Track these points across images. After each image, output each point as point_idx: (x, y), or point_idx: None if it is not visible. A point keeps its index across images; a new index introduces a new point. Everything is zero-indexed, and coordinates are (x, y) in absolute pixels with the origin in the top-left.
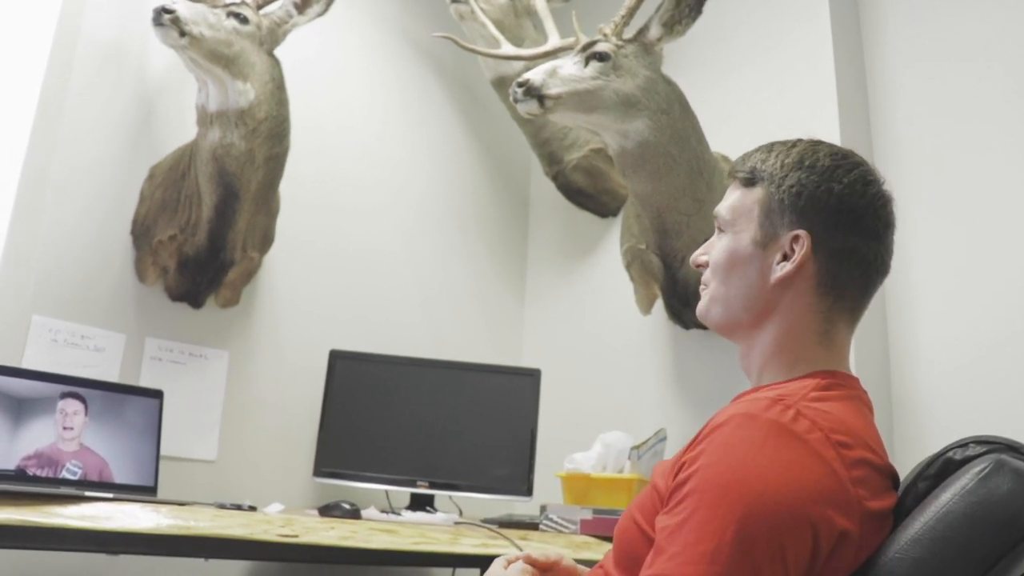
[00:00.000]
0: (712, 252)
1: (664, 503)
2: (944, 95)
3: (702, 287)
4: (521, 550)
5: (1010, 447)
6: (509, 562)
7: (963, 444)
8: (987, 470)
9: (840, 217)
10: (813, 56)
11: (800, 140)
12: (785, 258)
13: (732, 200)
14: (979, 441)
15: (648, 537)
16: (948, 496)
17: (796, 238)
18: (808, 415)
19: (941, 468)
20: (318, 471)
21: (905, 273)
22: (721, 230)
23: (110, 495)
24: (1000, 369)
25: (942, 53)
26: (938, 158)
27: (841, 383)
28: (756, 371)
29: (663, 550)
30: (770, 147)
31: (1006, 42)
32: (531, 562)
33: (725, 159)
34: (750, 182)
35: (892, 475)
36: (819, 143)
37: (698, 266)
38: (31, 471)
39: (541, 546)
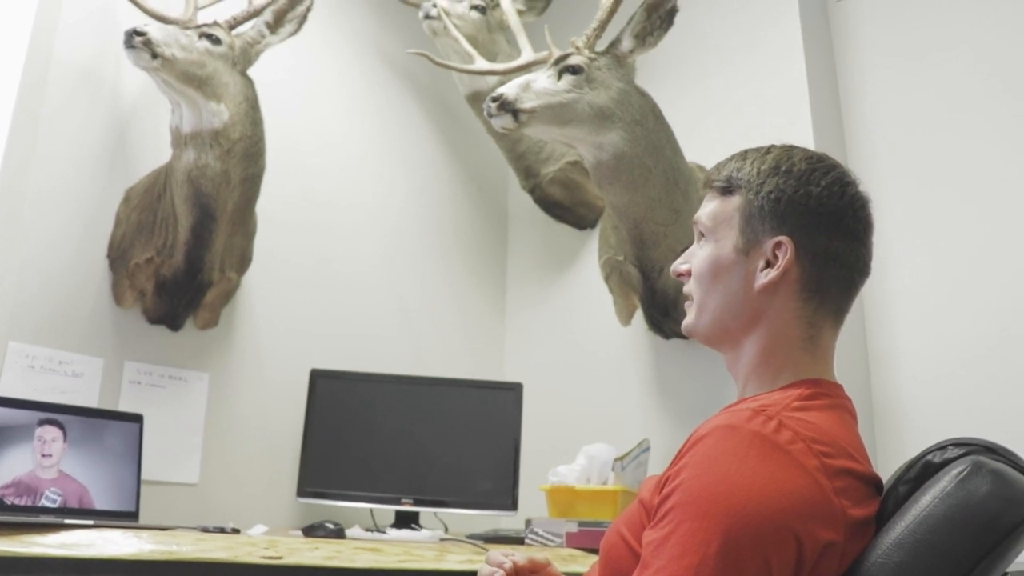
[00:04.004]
0: (694, 261)
1: (650, 517)
2: (917, 95)
3: (686, 301)
4: None
5: (987, 448)
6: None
7: (942, 447)
8: (965, 472)
9: (820, 220)
10: (784, 60)
11: (773, 146)
12: (768, 265)
13: (711, 208)
14: (957, 443)
15: (635, 552)
16: (928, 499)
17: (779, 244)
18: (790, 425)
19: (920, 471)
20: (301, 491)
21: (883, 279)
22: (702, 237)
23: (91, 522)
24: (979, 374)
25: (913, 53)
26: (913, 160)
27: (825, 392)
28: (742, 380)
29: (648, 564)
30: (744, 155)
31: (978, 40)
32: (515, 569)
33: (700, 168)
34: (727, 191)
35: (876, 483)
36: (792, 148)
37: (679, 275)
38: (9, 500)
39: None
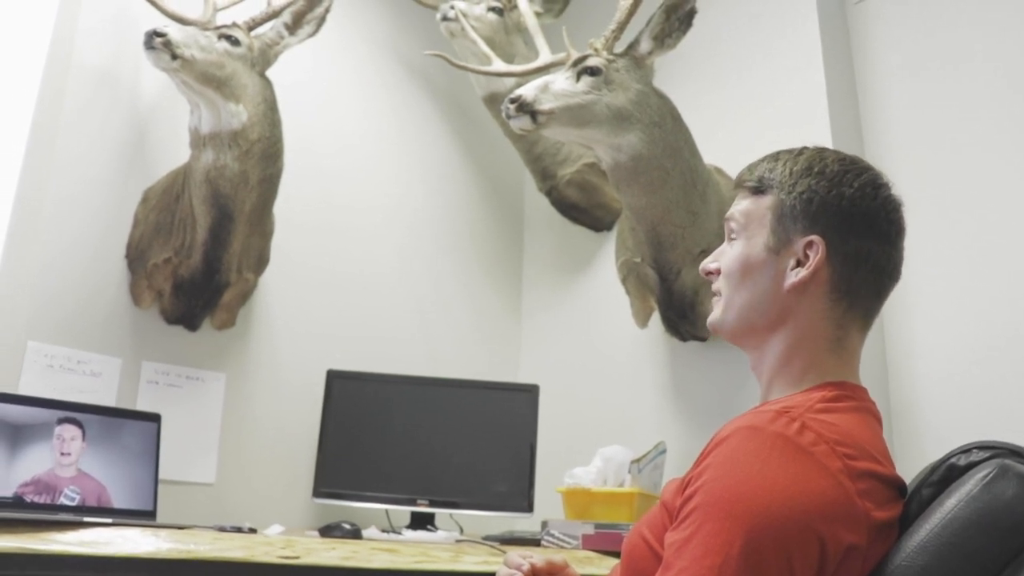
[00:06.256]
0: (723, 259)
1: (672, 519)
2: (935, 99)
3: (714, 297)
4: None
5: (1013, 452)
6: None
7: (966, 450)
8: (991, 475)
9: (853, 221)
10: (803, 64)
11: (806, 148)
12: (799, 264)
13: (743, 206)
14: (982, 446)
15: (657, 554)
16: (953, 502)
17: (810, 244)
18: (813, 427)
19: (945, 474)
20: (318, 492)
21: (902, 280)
22: (732, 237)
23: (109, 520)
24: (998, 375)
25: (932, 55)
26: (931, 163)
27: (849, 394)
28: (766, 382)
29: (671, 565)
30: (776, 156)
31: (996, 44)
32: (533, 571)
33: (718, 171)
34: (759, 191)
35: (899, 485)
36: (825, 150)
37: (708, 274)
38: (29, 498)
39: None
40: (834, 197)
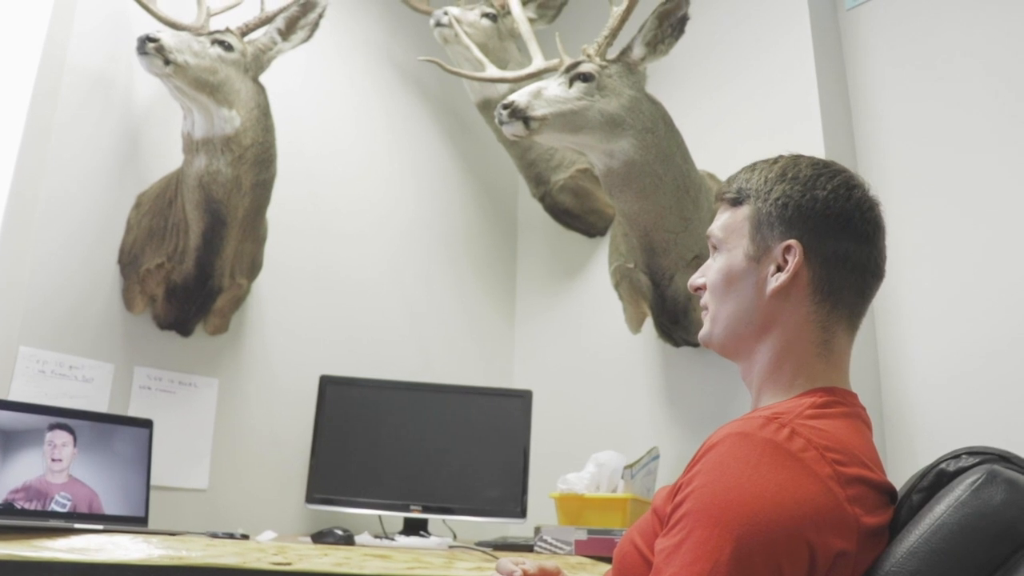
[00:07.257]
0: (708, 273)
1: (663, 526)
2: (926, 102)
3: (703, 312)
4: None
5: (1002, 457)
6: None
7: (955, 455)
8: (980, 481)
9: (828, 222)
10: (795, 68)
11: (781, 156)
12: (779, 269)
13: (723, 219)
14: (971, 452)
15: (647, 561)
16: (942, 508)
17: (788, 248)
18: (803, 433)
19: (934, 480)
20: (310, 498)
21: (893, 285)
22: (716, 249)
23: (100, 527)
24: (990, 381)
25: (923, 61)
26: (923, 167)
27: (839, 400)
28: (756, 389)
29: (660, 571)
30: (753, 166)
31: (988, 48)
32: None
33: (711, 176)
34: (738, 201)
35: (889, 491)
36: (800, 156)
37: (696, 289)
38: (19, 504)
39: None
40: (808, 200)
